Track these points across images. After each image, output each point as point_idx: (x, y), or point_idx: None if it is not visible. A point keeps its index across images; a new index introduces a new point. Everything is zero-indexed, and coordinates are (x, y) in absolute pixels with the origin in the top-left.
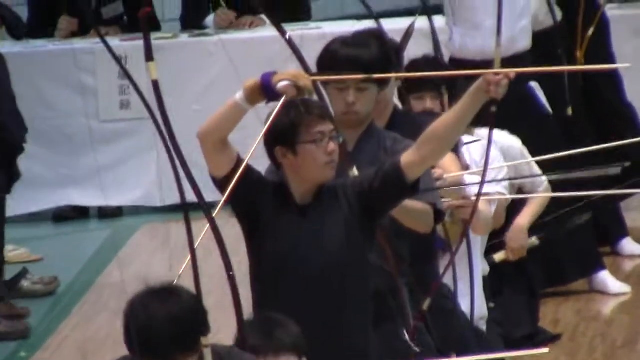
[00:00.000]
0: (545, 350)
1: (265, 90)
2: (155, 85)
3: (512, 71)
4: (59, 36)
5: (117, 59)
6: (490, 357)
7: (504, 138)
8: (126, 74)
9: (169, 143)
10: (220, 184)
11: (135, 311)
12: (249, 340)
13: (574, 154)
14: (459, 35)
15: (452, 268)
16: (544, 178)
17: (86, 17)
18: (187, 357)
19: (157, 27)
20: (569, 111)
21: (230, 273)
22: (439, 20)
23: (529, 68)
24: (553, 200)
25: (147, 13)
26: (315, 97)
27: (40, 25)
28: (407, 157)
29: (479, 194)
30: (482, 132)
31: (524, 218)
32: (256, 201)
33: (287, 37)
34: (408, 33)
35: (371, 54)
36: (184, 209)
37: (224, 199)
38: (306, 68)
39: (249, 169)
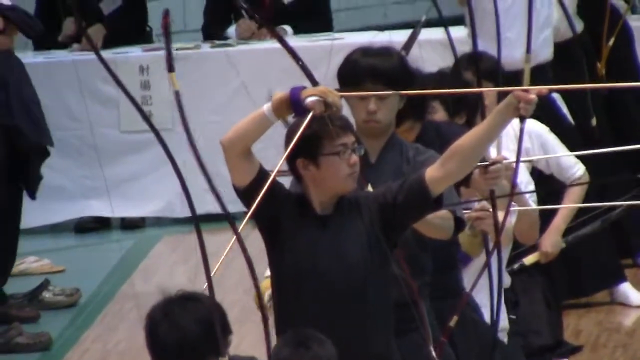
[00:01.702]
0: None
1: (293, 104)
2: (177, 96)
3: (543, 88)
4: (62, 39)
5: (108, 67)
6: None
7: (536, 125)
8: (116, 81)
9: (170, 158)
10: (243, 193)
11: (158, 321)
12: (282, 353)
13: (594, 153)
14: (480, 47)
15: (487, 278)
16: (579, 171)
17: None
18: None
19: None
20: (594, 122)
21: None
22: (460, 31)
23: (560, 85)
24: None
25: (167, 23)
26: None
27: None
28: (431, 172)
29: (508, 206)
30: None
31: (560, 220)
32: (278, 213)
33: (300, 63)
34: (412, 37)
35: (392, 64)
36: (194, 221)
37: (250, 212)
38: (314, 83)
39: (275, 180)
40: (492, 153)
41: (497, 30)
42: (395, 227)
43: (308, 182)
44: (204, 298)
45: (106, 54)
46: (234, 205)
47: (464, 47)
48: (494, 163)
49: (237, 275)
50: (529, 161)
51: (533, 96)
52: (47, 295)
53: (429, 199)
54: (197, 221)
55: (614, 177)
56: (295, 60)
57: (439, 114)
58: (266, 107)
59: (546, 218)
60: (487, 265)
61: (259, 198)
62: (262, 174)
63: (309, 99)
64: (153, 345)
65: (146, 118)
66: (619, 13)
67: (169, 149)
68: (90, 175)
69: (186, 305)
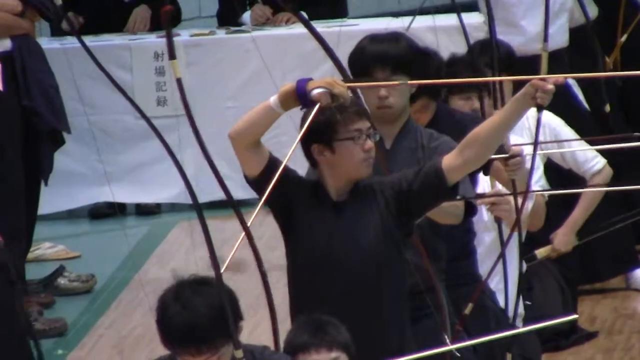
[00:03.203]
0: (574, 316)
1: (299, 96)
2: (179, 83)
3: (560, 77)
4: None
5: (92, 55)
6: (517, 331)
7: (553, 118)
8: (102, 70)
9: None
10: (254, 183)
11: (169, 304)
12: (299, 338)
13: (612, 148)
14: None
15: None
16: (597, 164)
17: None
18: (226, 344)
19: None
20: (607, 108)
21: (263, 269)
22: (475, 17)
23: (574, 73)
24: (600, 215)
25: (169, 11)
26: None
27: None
28: (448, 160)
29: (527, 191)
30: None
31: (576, 218)
32: (291, 200)
33: (326, 46)
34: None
35: (399, 49)
36: (196, 208)
37: (262, 200)
38: (341, 68)
39: (286, 166)
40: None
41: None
42: (410, 214)
43: (323, 167)
44: (214, 282)
45: (121, 39)
46: (247, 191)
47: (479, 34)
48: (514, 156)
49: (253, 260)
50: (545, 152)
51: (550, 86)
52: (62, 281)
53: (445, 186)
54: (200, 210)
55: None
56: (320, 44)
57: (474, 102)
58: (273, 99)
59: (562, 214)
60: (502, 252)
61: (270, 186)
62: (273, 163)
63: (315, 91)
64: (163, 328)
65: (136, 106)
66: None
67: (163, 137)
68: (105, 161)
69: (198, 289)
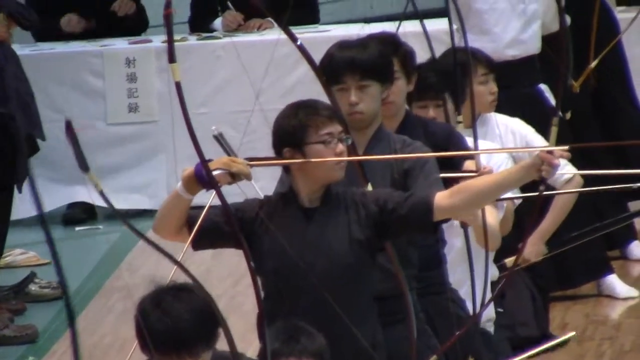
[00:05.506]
0: (572, 334)
1: (199, 180)
2: (178, 86)
3: (566, 148)
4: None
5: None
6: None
7: (523, 126)
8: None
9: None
10: (194, 248)
11: (149, 310)
12: (271, 345)
13: (581, 146)
14: (469, 40)
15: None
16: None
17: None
18: (207, 350)
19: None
20: (567, 115)
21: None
22: (444, 24)
23: (544, 80)
24: (569, 224)
25: (170, 14)
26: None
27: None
28: (439, 199)
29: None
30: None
31: (545, 228)
32: (249, 230)
33: (299, 43)
34: None
35: (368, 55)
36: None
37: (188, 242)
38: (317, 72)
39: (211, 220)
40: (483, 161)
41: None
42: (386, 233)
43: (295, 172)
44: (196, 288)
45: (93, 45)
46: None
47: (448, 40)
48: (482, 173)
49: (225, 267)
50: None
51: (557, 161)
52: (33, 288)
53: (429, 221)
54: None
55: (608, 187)
56: (305, 58)
57: (430, 111)
58: (179, 185)
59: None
60: (469, 257)
61: (192, 235)
62: (193, 223)
63: (214, 173)
64: (144, 334)
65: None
66: (608, 6)
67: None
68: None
69: (178, 294)
